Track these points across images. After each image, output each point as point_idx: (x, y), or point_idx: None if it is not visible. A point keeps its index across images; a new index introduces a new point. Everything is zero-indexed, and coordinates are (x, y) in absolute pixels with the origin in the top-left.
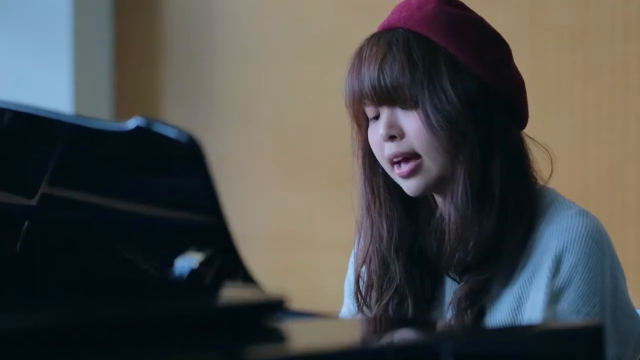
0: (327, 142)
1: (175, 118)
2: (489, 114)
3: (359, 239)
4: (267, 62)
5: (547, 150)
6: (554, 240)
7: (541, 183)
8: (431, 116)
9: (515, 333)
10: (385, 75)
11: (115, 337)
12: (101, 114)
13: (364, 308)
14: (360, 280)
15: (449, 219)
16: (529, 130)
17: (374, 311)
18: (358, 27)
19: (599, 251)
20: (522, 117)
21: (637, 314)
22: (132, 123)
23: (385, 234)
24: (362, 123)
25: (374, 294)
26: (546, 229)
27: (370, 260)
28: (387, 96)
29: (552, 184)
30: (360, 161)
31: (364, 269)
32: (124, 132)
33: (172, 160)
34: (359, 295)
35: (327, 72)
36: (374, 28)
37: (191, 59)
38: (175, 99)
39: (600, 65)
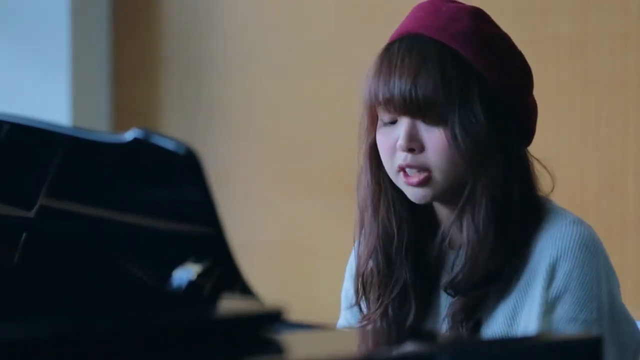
0: (327, 152)
1: (174, 129)
2: (509, 135)
3: (360, 237)
4: (266, 73)
5: (549, 172)
6: (548, 249)
7: (540, 194)
8: (459, 137)
9: (513, 344)
10: (418, 90)
11: (113, 348)
12: (100, 125)
13: (362, 303)
14: (362, 277)
15: (467, 240)
16: None
17: (372, 310)
18: (358, 38)
19: (593, 259)
20: (530, 136)
21: (633, 320)
22: (130, 135)
23: (394, 233)
24: (375, 123)
25: (374, 291)
26: (541, 239)
27: (374, 257)
28: (416, 110)
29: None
30: (367, 158)
31: (366, 265)
32: (122, 143)
33: (170, 171)
34: (360, 292)
35: (326, 83)
36: (374, 39)
37: (190, 70)
38: (174, 110)
39: (599, 74)
